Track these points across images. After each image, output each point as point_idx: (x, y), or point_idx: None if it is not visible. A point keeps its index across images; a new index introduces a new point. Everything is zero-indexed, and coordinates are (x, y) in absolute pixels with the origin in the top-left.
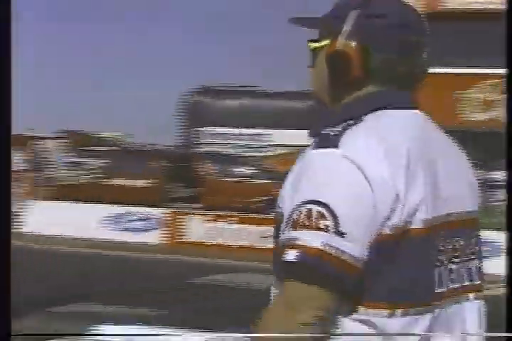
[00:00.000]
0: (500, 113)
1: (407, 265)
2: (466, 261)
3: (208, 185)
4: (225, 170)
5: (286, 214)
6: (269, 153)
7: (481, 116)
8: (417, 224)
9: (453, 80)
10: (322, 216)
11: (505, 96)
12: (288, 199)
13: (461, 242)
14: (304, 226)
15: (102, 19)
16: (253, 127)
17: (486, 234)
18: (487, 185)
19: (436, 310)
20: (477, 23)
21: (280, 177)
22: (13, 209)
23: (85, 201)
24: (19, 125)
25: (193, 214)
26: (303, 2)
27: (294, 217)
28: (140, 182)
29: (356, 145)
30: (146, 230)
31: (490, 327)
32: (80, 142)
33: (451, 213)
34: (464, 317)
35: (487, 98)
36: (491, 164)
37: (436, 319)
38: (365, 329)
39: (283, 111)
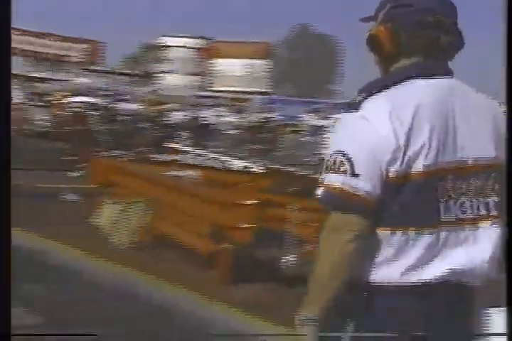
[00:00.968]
0: None
1: (410, 198)
2: (483, 196)
3: None
4: None
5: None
6: None
7: None
8: (417, 169)
9: None
10: (342, 162)
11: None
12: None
13: (477, 182)
14: (330, 171)
15: None
16: None
17: None
18: None
19: (444, 232)
20: None
21: None
22: None
23: None
24: None
25: None
26: None
27: (325, 164)
28: None
29: (371, 109)
30: None
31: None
32: None
33: (466, 159)
34: (479, 239)
35: None
36: None
37: (446, 238)
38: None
39: None
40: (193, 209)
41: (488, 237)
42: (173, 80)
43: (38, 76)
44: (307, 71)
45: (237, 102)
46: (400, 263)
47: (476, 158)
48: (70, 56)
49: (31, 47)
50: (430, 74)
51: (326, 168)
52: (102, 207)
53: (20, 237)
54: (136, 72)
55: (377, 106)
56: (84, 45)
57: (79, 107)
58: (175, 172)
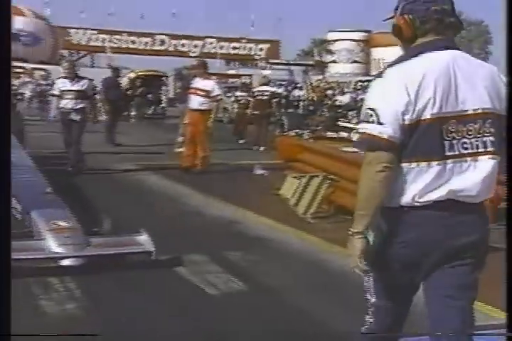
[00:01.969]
0: None
1: (422, 138)
2: (481, 137)
3: None
4: None
5: None
6: None
7: None
8: (426, 117)
9: None
10: (371, 115)
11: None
12: None
13: (476, 126)
14: (363, 122)
15: None
16: None
17: None
18: None
19: (450, 164)
20: None
21: None
22: None
23: None
24: None
25: None
26: None
27: (360, 118)
28: None
29: (390, 74)
30: None
31: None
32: None
33: (466, 109)
34: (478, 168)
35: None
36: None
37: (452, 168)
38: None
39: None
40: None
41: (485, 167)
42: (339, 68)
43: (232, 73)
44: None
45: None
46: (416, 187)
47: (474, 109)
48: (256, 54)
49: (224, 51)
50: (438, 48)
51: (361, 120)
52: (287, 180)
53: (221, 207)
54: (311, 62)
55: (394, 72)
56: (267, 45)
57: (265, 95)
58: (348, 149)
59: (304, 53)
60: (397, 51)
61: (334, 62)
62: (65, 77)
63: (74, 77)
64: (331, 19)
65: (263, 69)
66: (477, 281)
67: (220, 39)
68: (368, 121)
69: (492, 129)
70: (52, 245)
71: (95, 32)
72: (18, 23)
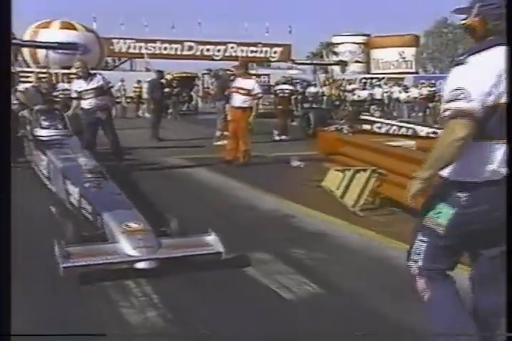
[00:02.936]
0: None
1: (498, 120)
2: None
3: None
4: None
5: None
6: None
7: None
8: (502, 101)
9: None
10: (460, 93)
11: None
12: None
13: None
14: (453, 100)
15: None
16: None
17: None
18: None
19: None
20: None
21: None
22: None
23: None
24: None
25: None
26: None
27: (447, 97)
28: None
29: (477, 59)
30: None
31: None
32: None
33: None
34: None
35: None
36: None
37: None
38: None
39: None
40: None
41: None
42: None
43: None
44: (446, 53)
45: (394, 81)
46: (493, 163)
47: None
48: (271, 57)
49: (244, 54)
50: (501, 44)
51: (449, 99)
52: (330, 173)
53: (270, 200)
54: (331, 61)
55: (480, 58)
56: (280, 48)
57: (286, 92)
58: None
59: (313, 55)
60: (391, 52)
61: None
62: (79, 78)
63: (87, 75)
64: (334, 24)
65: (289, 68)
66: None
67: (239, 44)
68: (456, 99)
69: None
70: (127, 248)
71: (133, 41)
72: (71, 36)
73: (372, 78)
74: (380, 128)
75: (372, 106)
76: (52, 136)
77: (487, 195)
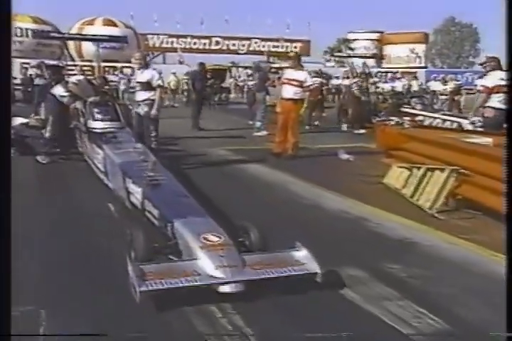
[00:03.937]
0: None
1: None
2: None
3: None
4: None
5: None
6: None
7: None
8: None
9: None
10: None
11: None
12: None
13: None
14: None
15: None
16: None
17: None
18: None
19: None
20: None
21: None
22: None
23: None
24: None
25: None
26: None
27: None
28: None
29: None
30: None
31: None
32: None
33: None
34: None
35: None
36: None
37: None
38: None
39: None
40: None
41: None
42: (359, 62)
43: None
44: (453, 50)
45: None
46: None
47: None
48: (292, 51)
49: (266, 49)
50: None
51: None
52: (392, 169)
53: (334, 198)
54: (367, 54)
55: None
56: (300, 43)
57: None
58: (470, 139)
59: (331, 50)
60: (403, 48)
61: (355, 56)
62: (139, 69)
63: (145, 68)
64: (350, 22)
65: (327, 61)
66: None
67: (263, 39)
68: None
69: None
70: (208, 267)
71: (166, 36)
72: (113, 32)
73: (387, 72)
74: (422, 121)
75: (413, 99)
76: (106, 128)
77: None
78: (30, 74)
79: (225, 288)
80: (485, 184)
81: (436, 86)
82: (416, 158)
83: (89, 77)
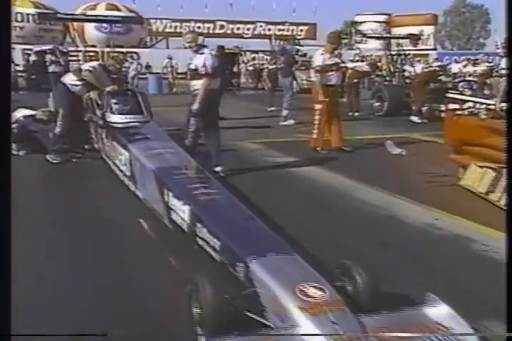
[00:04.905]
0: None
1: None
2: None
3: None
4: None
5: None
6: None
7: None
8: None
9: None
10: None
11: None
12: None
13: None
14: None
15: None
16: None
17: None
18: None
19: None
20: None
21: None
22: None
23: None
24: None
25: None
26: None
27: None
28: None
29: None
30: None
31: None
32: None
33: None
34: None
35: None
36: None
37: None
38: None
39: None
40: None
41: None
42: (367, 44)
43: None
44: (464, 31)
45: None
46: None
47: None
48: (297, 35)
49: (271, 32)
50: None
51: None
52: (471, 168)
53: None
54: (401, 35)
55: None
56: (306, 27)
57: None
58: None
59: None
60: (411, 30)
61: (362, 39)
62: (194, 52)
63: (198, 49)
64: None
65: (358, 42)
66: None
67: (268, 23)
68: None
69: None
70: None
71: (169, 21)
72: (117, 16)
73: (398, 54)
74: (471, 108)
75: (461, 84)
76: (127, 122)
77: None
78: (44, 61)
79: None
80: None
81: (458, 68)
82: (498, 156)
83: (103, 63)
